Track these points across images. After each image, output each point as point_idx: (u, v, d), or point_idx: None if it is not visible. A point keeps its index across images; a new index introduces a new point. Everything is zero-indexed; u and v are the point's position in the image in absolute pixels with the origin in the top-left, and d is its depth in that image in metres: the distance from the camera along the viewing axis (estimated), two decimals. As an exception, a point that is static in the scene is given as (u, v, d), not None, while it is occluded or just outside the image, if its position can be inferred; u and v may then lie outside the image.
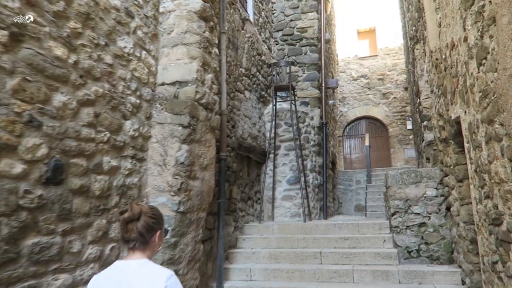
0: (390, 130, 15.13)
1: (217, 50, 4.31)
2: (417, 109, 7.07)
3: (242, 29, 6.33)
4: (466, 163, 3.59)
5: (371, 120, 15.75)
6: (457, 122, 3.17)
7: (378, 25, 16.15)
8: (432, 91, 4.36)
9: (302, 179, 7.05)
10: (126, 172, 3.23)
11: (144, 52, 3.57)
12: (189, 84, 3.76)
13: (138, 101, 3.43)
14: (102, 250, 2.90)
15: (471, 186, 2.58)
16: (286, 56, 8.46)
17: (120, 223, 1.48)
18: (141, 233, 1.44)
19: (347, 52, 16.24)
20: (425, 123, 5.91)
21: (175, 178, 3.51)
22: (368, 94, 15.70)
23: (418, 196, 4.81)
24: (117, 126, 3.12)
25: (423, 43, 4.96)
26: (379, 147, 15.24)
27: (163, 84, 3.79)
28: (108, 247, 2.97)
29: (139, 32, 3.50)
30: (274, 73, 6.95)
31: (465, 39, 2.29)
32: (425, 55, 4.93)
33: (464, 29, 2.29)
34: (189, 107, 3.64)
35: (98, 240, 2.86)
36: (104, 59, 2.99)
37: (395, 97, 15.23)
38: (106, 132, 2.97)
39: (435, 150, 5.77)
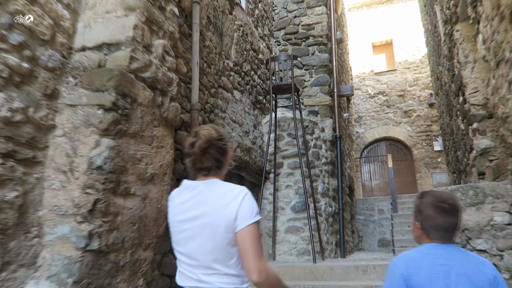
0: (414, 153, 13.58)
1: (176, 10, 3.05)
2: (456, 113, 5.65)
3: (230, 13, 5.13)
4: None
5: (392, 141, 14.26)
6: None
7: (395, 37, 15.00)
8: (500, 62, 2.98)
9: (312, 205, 5.59)
10: (-12, 181, 1.88)
11: (46, -7, 2.31)
12: (123, 48, 2.47)
13: (27, 65, 2.14)
14: None
15: None
16: (289, 58, 7.21)
17: (191, 156, 1.46)
18: (217, 159, 1.48)
19: (362, 67, 15.05)
20: (475, 125, 4.47)
21: (86, 193, 2.14)
22: (387, 113, 14.31)
23: (481, 225, 3.30)
24: (-32, 98, 1.81)
25: (474, 6, 3.63)
26: (402, 172, 13.66)
27: (83, 49, 2.50)
28: None
29: (36, -39, 2.26)
30: (271, 71, 5.66)
31: None
32: (479, 22, 3.59)
33: None
34: (116, 78, 2.32)
35: None
36: None
37: (418, 115, 13.79)
38: None
39: (492, 160, 4.30)
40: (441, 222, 1.47)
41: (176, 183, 3.34)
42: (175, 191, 1.57)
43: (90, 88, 2.35)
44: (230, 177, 4.81)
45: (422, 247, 1.51)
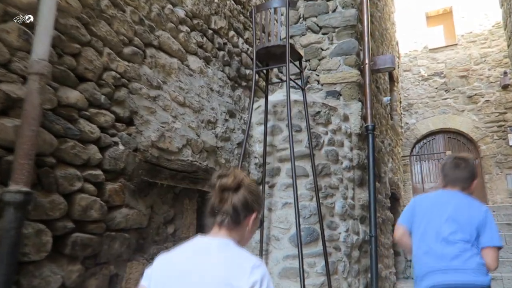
0: (482, 148, 11.00)
1: None
2: None
3: None
4: None
5: (451, 134, 11.74)
6: None
7: (455, 4, 12.39)
8: None
9: (324, 232, 3.67)
10: None
11: None
12: None
13: None
14: None
15: None
16: (301, 18, 5.29)
17: (214, 189, 1.20)
18: (236, 207, 1.18)
19: (412, 43, 12.61)
20: None
21: None
22: (445, 99, 11.79)
23: None
24: None
25: None
26: (466, 172, 11.11)
27: None
28: None
29: None
30: (255, 27, 3.77)
31: None
32: None
33: None
34: None
35: None
36: None
37: (487, 101, 11.16)
38: None
39: None
40: (449, 173, 2.15)
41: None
42: (177, 249, 1.19)
43: None
44: (178, 197, 3.03)
45: (435, 191, 2.25)
